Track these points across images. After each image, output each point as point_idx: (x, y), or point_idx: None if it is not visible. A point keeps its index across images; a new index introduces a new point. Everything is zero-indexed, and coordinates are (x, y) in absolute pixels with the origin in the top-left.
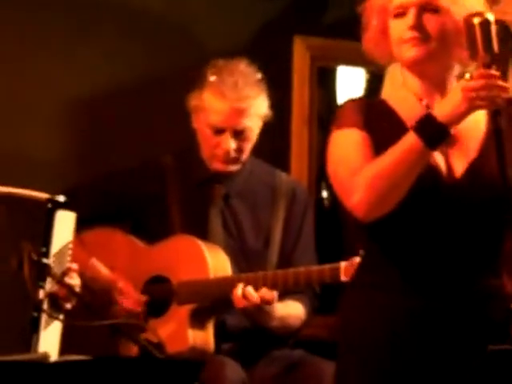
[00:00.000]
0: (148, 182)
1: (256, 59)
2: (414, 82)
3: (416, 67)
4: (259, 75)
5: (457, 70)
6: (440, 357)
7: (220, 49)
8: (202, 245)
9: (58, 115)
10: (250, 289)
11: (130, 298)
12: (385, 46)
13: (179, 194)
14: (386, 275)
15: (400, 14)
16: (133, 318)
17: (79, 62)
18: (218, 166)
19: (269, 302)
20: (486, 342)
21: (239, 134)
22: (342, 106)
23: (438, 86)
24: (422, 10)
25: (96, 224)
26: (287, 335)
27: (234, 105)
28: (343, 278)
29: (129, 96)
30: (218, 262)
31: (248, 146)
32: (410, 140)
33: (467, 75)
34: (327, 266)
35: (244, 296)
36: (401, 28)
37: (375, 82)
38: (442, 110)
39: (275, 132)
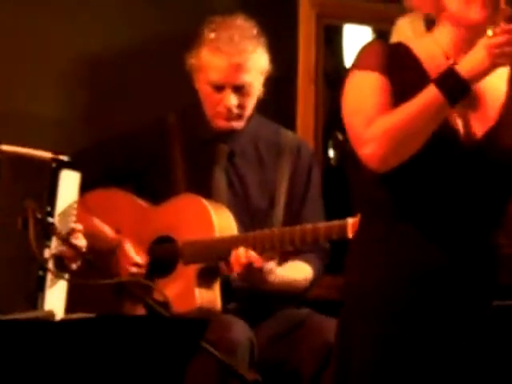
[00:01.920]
0: (151, 141)
1: (261, 17)
2: (446, 37)
3: (472, 27)
4: (256, 30)
5: None
6: (448, 312)
7: (224, 7)
8: (207, 204)
9: (63, 75)
10: (240, 250)
11: (132, 260)
12: None
13: (183, 153)
14: (395, 228)
15: None
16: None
17: (85, 21)
18: (220, 123)
19: (255, 267)
20: (492, 298)
21: (239, 90)
22: (364, 47)
23: (472, 43)
24: None
25: (101, 186)
26: (294, 296)
27: (231, 60)
28: (350, 234)
29: (135, 55)
30: (223, 221)
31: (250, 102)
32: (431, 93)
33: (489, 32)
34: (334, 223)
35: (236, 260)
36: None
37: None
38: (465, 65)
39: (281, 90)
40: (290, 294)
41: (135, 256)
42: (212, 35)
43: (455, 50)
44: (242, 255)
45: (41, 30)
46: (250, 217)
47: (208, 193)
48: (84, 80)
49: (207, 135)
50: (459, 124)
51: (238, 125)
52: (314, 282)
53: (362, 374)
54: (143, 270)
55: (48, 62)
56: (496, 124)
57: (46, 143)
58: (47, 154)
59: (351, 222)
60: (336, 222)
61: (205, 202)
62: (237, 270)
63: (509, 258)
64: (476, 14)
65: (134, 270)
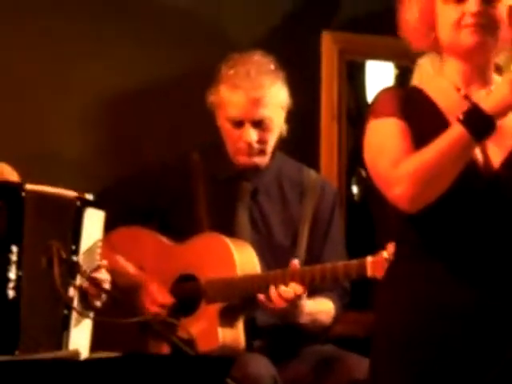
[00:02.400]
0: (175, 179)
1: (284, 54)
2: (452, 71)
3: (467, 54)
4: (274, 65)
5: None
6: (476, 353)
7: (247, 45)
8: (229, 242)
9: (86, 114)
10: (283, 287)
11: (156, 302)
12: (424, 31)
13: (206, 191)
14: (427, 267)
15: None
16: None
17: (106, 60)
18: (242, 159)
19: (299, 297)
20: None
21: (259, 125)
22: (377, 95)
23: (478, 74)
24: None
25: (125, 224)
26: (317, 332)
27: (248, 95)
28: (369, 273)
29: (156, 93)
30: (245, 259)
31: (270, 137)
32: (457, 132)
33: None
34: (353, 262)
35: (280, 295)
36: (458, 12)
37: (404, 76)
38: (490, 101)
39: (304, 127)
40: (314, 330)
41: (160, 298)
42: (229, 71)
43: (463, 81)
44: (286, 290)
45: (60, 70)
46: (272, 255)
47: (231, 230)
48: (106, 119)
49: (230, 173)
50: (478, 156)
51: (261, 161)
52: (334, 320)
53: None
54: (166, 310)
55: (68, 101)
56: (510, 153)
57: (68, 183)
58: (72, 193)
59: (370, 260)
60: (355, 262)
61: (227, 240)
62: (280, 304)
63: None
64: (466, 38)
65: (158, 310)
